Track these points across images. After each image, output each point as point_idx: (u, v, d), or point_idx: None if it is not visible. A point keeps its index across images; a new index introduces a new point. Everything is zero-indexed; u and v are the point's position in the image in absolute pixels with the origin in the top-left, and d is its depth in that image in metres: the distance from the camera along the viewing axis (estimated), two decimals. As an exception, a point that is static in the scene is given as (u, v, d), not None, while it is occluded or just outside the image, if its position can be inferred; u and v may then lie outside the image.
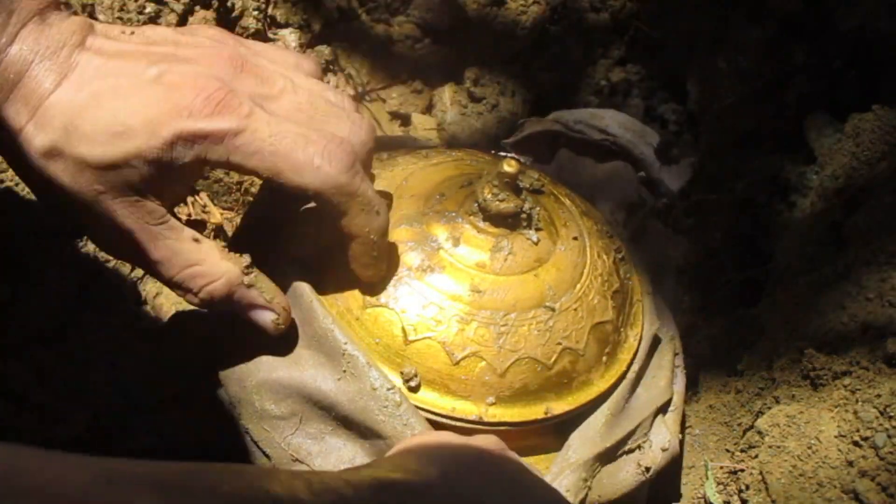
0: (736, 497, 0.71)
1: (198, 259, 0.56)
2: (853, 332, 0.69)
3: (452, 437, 0.57)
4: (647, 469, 0.65)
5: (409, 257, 0.63)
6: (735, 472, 0.72)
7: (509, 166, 0.63)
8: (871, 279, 0.69)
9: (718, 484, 0.73)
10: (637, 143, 0.86)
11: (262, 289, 0.58)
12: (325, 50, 1.06)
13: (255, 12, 1.02)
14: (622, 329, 0.68)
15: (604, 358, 0.66)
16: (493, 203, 0.63)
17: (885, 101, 0.81)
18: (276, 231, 0.70)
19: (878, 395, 0.62)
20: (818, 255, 0.79)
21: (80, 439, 0.67)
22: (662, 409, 0.69)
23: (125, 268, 0.81)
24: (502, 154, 0.86)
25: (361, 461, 0.60)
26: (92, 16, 0.90)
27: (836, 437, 0.63)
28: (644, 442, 0.66)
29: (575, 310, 0.64)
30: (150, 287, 0.82)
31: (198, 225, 0.88)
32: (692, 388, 0.83)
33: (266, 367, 0.61)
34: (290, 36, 1.04)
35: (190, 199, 0.89)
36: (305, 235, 0.65)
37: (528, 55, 1.10)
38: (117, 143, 0.51)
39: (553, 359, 0.63)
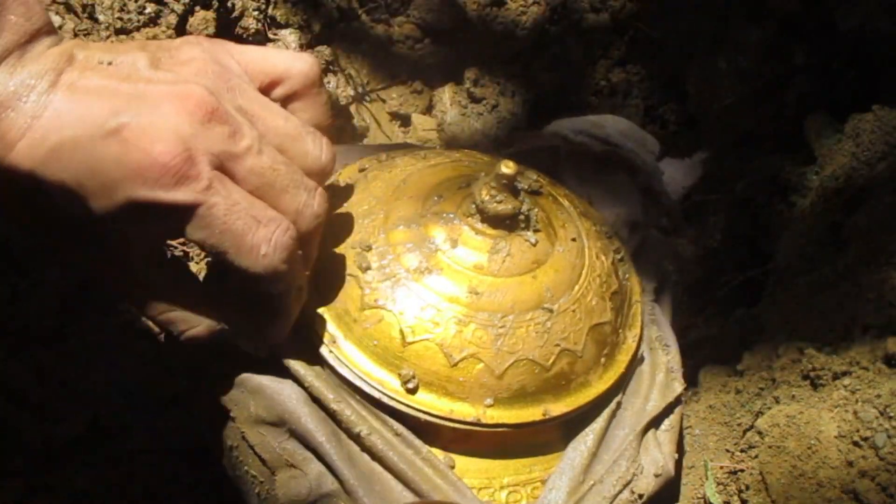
0: (736, 497, 0.71)
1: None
2: (853, 333, 0.69)
3: None
4: (640, 496, 0.64)
5: (407, 259, 0.63)
6: (735, 473, 0.72)
7: (507, 168, 0.62)
8: (871, 279, 0.69)
9: (718, 484, 0.73)
10: (639, 153, 0.85)
11: None
12: (325, 50, 1.06)
13: (255, 13, 1.02)
14: (620, 330, 0.68)
15: (602, 359, 0.66)
16: (491, 204, 0.63)
17: (885, 101, 0.81)
18: None
19: (878, 396, 0.62)
20: (818, 255, 0.79)
21: (80, 439, 0.67)
22: (654, 424, 0.68)
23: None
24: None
25: None
26: (92, 16, 0.90)
27: (836, 437, 0.63)
28: (634, 468, 0.65)
29: (573, 311, 0.64)
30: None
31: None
32: (692, 388, 0.83)
33: (259, 373, 0.62)
34: (289, 36, 1.04)
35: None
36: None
37: (528, 55, 1.10)
38: (76, 203, 0.50)
39: (551, 360, 0.62)
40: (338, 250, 0.64)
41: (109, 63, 0.52)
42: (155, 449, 0.67)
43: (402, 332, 0.61)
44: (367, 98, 1.08)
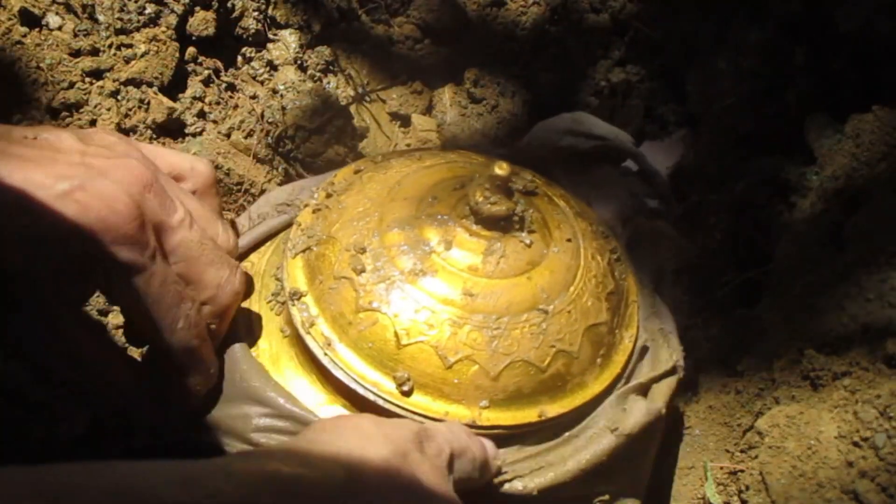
0: (736, 497, 0.71)
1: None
2: (853, 333, 0.69)
3: (372, 426, 0.53)
4: (627, 434, 0.62)
5: (402, 261, 0.63)
6: (735, 473, 0.72)
7: (500, 169, 0.62)
8: (871, 280, 0.69)
9: (718, 484, 0.73)
10: (624, 140, 0.85)
11: None
12: (325, 51, 1.06)
13: (255, 13, 1.02)
14: (617, 330, 0.68)
15: (598, 360, 0.65)
16: (485, 206, 0.63)
17: (885, 101, 0.81)
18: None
19: (878, 396, 0.62)
20: (818, 255, 0.79)
21: (80, 439, 0.67)
22: (640, 391, 0.67)
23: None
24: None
25: None
26: (92, 16, 0.91)
27: (835, 437, 0.63)
28: (616, 417, 0.64)
29: (569, 312, 0.64)
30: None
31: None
32: (692, 389, 0.83)
33: (252, 375, 0.62)
34: (289, 37, 1.04)
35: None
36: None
37: (528, 56, 1.10)
38: (32, 255, 0.51)
39: (547, 361, 0.62)
40: (332, 253, 0.65)
41: (34, 138, 0.54)
42: (155, 449, 0.67)
43: (396, 334, 0.61)
44: (367, 98, 1.08)
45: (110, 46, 0.90)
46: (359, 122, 1.05)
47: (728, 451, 0.75)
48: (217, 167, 0.89)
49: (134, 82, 0.90)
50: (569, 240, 0.67)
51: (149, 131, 0.89)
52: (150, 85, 0.91)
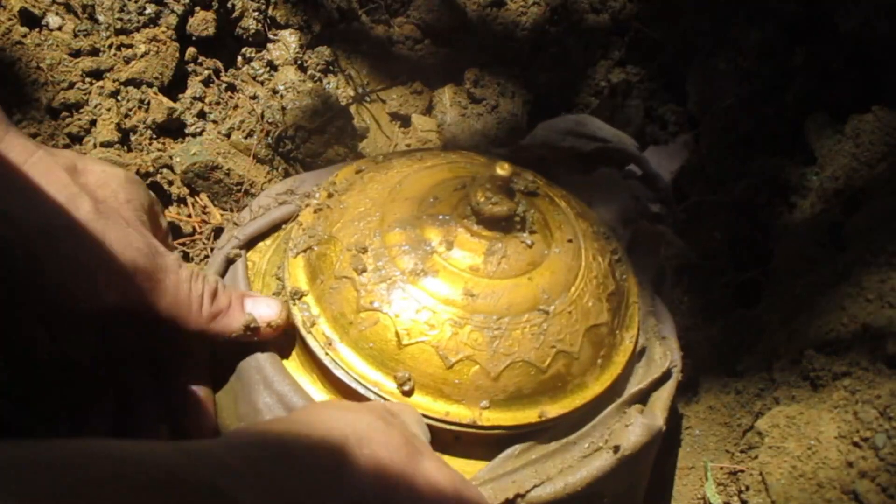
0: (736, 498, 0.71)
1: None
2: (853, 334, 0.69)
3: (351, 403, 0.57)
4: (621, 448, 0.62)
5: (403, 261, 0.63)
6: (735, 473, 0.72)
7: (502, 169, 0.62)
8: (871, 280, 0.69)
9: (718, 485, 0.73)
10: (627, 144, 0.85)
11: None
12: (325, 51, 1.06)
13: (255, 13, 1.02)
14: (617, 331, 0.68)
15: (599, 360, 0.65)
16: (486, 206, 0.63)
17: (884, 101, 0.81)
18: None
19: (878, 396, 0.62)
20: (818, 256, 0.79)
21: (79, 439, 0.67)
22: (639, 400, 0.67)
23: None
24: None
25: None
26: (92, 17, 0.91)
27: (835, 437, 0.63)
28: (614, 428, 0.64)
29: (569, 313, 0.64)
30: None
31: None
32: (692, 389, 0.83)
33: (259, 371, 0.63)
34: (289, 37, 1.04)
35: (190, 200, 0.89)
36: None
37: (528, 56, 1.10)
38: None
39: (547, 362, 0.62)
40: (334, 252, 0.65)
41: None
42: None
43: (397, 334, 0.61)
44: (368, 99, 1.08)
45: (110, 47, 0.90)
46: (359, 122, 1.05)
47: (728, 451, 0.75)
48: (217, 167, 0.89)
49: (134, 82, 0.90)
50: (570, 240, 0.67)
51: (149, 131, 0.89)
52: (150, 85, 0.91)
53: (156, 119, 0.89)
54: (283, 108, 0.96)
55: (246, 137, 0.94)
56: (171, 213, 0.87)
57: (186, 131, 0.93)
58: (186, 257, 0.85)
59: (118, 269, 0.55)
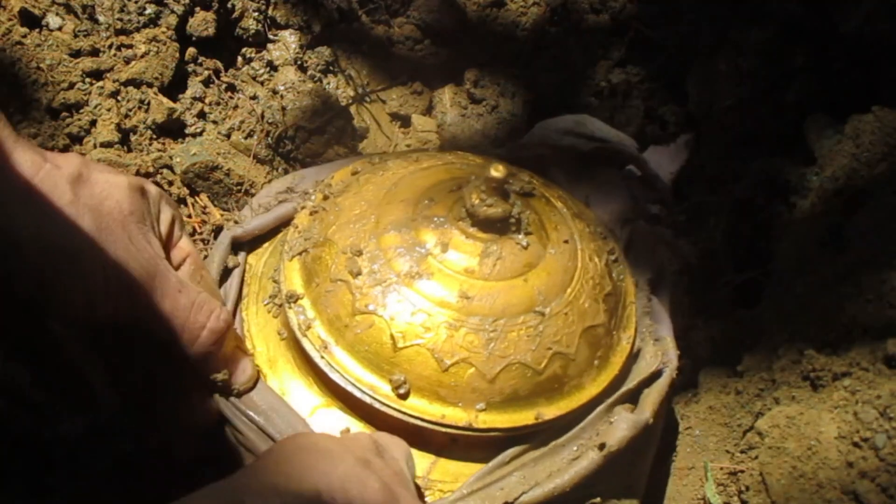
0: (736, 498, 0.71)
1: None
2: (853, 334, 0.69)
3: (329, 442, 0.54)
4: (609, 446, 0.62)
5: (398, 263, 0.63)
6: (735, 473, 0.72)
7: (497, 171, 0.62)
8: (871, 281, 0.69)
9: (718, 485, 0.73)
10: (626, 144, 0.85)
11: None
12: (325, 51, 1.06)
13: (256, 13, 1.02)
14: (614, 332, 0.67)
15: (595, 362, 0.65)
16: (481, 208, 0.63)
17: (884, 102, 0.81)
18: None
19: (878, 396, 0.62)
20: (818, 256, 0.79)
21: (80, 439, 0.67)
22: (628, 399, 0.67)
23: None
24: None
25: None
26: (92, 17, 0.91)
27: (836, 438, 0.63)
28: (602, 428, 0.64)
29: (565, 314, 0.64)
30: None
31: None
32: (692, 389, 0.83)
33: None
34: (290, 37, 1.04)
35: (190, 201, 0.89)
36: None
37: (528, 56, 1.10)
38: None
39: (543, 364, 0.62)
40: (329, 255, 0.64)
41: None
42: (154, 449, 0.67)
43: (392, 337, 0.61)
44: (368, 99, 1.08)
45: (110, 47, 0.90)
46: (359, 122, 1.05)
47: (728, 451, 0.75)
48: (217, 167, 0.89)
49: (134, 83, 0.90)
50: (566, 241, 0.67)
51: (149, 131, 0.89)
52: (150, 85, 0.91)
53: (156, 119, 0.89)
54: (283, 109, 0.96)
55: (246, 138, 0.94)
56: (171, 213, 0.87)
57: (186, 131, 0.93)
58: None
59: (114, 286, 0.55)
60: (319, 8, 1.07)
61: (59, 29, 0.88)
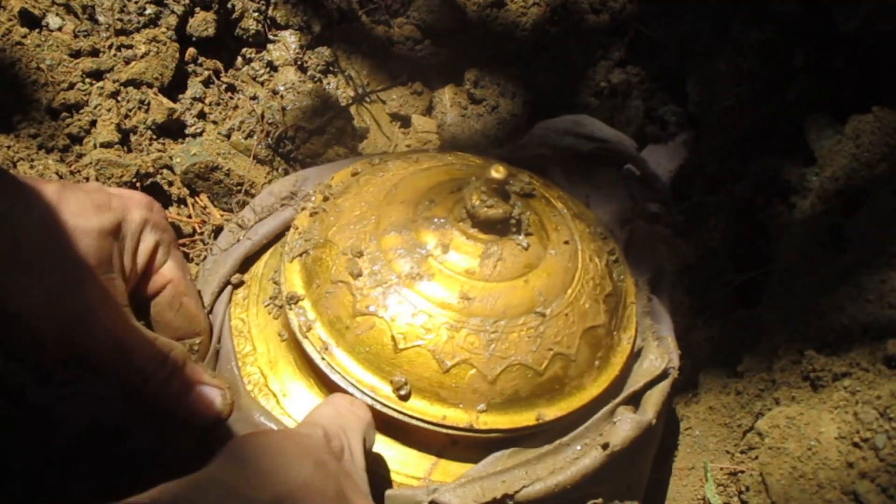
0: (736, 498, 0.71)
1: None
2: (853, 334, 0.69)
3: (288, 442, 0.52)
4: (611, 445, 0.62)
5: (399, 265, 0.62)
6: (735, 474, 0.72)
7: (497, 172, 0.62)
8: (871, 281, 0.69)
9: (718, 485, 0.73)
10: (626, 144, 0.85)
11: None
12: (325, 51, 1.06)
13: (256, 14, 1.02)
14: (615, 332, 0.67)
15: (596, 362, 0.65)
16: (482, 209, 0.63)
17: (884, 102, 0.81)
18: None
19: (879, 397, 0.62)
20: (818, 256, 0.79)
21: (80, 439, 0.67)
22: (631, 401, 0.67)
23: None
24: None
25: None
26: (92, 17, 0.91)
27: (836, 438, 0.63)
28: (605, 429, 0.64)
29: (566, 315, 0.64)
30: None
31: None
32: (692, 389, 0.83)
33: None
34: (290, 37, 1.04)
35: (190, 201, 0.89)
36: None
37: (528, 57, 1.10)
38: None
39: (544, 365, 0.62)
40: (330, 256, 0.64)
41: None
42: (154, 449, 0.67)
43: (393, 338, 0.61)
44: (368, 99, 1.08)
45: (110, 47, 0.90)
46: (359, 122, 1.05)
47: (728, 451, 0.75)
48: (217, 167, 0.89)
49: (134, 83, 0.90)
50: (566, 242, 0.67)
51: (149, 132, 0.89)
52: (150, 86, 0.91)
53: (156, 119, 0.89)
54: (283, 109, 0.97)
55: (246, 138, 0.94)
56: (172, 213, 0.87)
57: (186, 132, 0.93)
58: (186, 258, 0.85)
59: (57, 325, 0.55)
60: (319, 8, 1.07)
61: (59, 29, 0.88)
